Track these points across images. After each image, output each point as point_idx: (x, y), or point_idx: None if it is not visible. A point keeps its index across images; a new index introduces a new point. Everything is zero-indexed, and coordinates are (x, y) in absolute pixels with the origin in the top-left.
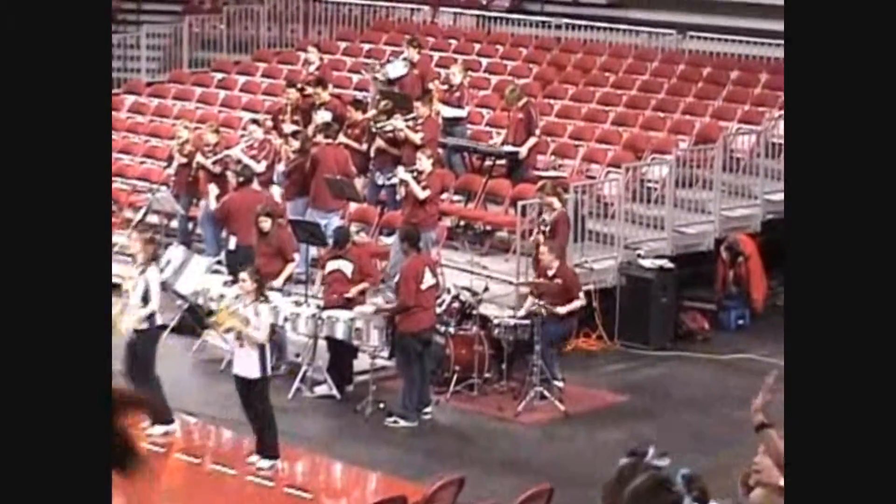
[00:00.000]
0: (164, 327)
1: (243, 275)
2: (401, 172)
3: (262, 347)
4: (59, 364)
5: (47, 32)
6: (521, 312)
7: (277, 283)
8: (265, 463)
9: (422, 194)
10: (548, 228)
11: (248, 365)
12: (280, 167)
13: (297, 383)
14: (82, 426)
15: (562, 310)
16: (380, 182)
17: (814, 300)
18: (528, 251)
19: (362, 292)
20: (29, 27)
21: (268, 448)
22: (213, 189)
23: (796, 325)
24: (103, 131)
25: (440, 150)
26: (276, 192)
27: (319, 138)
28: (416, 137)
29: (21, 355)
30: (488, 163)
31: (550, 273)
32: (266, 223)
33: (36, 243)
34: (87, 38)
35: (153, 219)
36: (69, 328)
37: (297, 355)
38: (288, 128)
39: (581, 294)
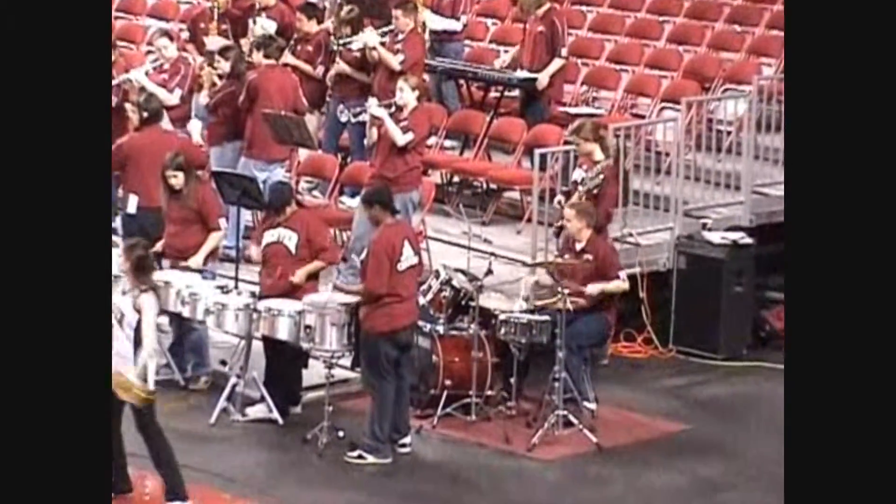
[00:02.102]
0: None
1: (121, 247)
2: (372, 107)
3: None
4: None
5: None
6: (538, 304)
7: (196, 261)
8: None
9: (401, 138)
10: (588, 190)
11: None
12: (201, 98)
13: (222, 402)
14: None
15: (593, 289)
16: (342, 120)
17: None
18: (552, 219)
19: (314, 276)
20: None
21: (177, 488)
22: None
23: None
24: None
25: (427, 77)
26: (195, 131)
27: (258, 58)
28: (394, 59)
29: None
30: (494, 94)
31: (579, 247)
32: (178, 177)
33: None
34: None
35: None
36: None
37: (224, 363)
38: (213, 42)
39: (623, 276)
